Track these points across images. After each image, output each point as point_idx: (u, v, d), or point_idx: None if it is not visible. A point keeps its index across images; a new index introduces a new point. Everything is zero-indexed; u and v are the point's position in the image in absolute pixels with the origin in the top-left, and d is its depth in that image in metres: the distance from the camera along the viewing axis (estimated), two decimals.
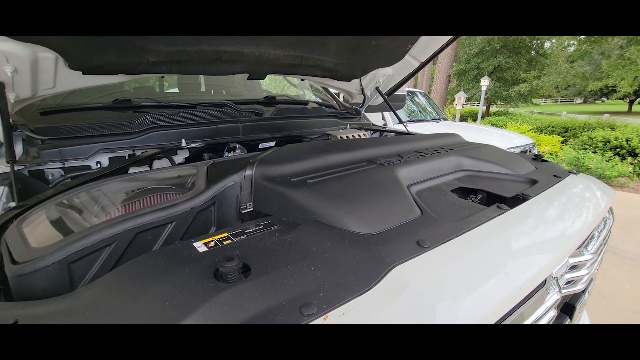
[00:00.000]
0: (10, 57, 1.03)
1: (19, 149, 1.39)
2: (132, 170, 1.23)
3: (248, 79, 1.65)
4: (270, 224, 0.70)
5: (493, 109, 16.87)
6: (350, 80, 2.14)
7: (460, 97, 11.93)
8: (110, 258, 0.64)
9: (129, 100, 1.57)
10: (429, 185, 0.96)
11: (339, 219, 0.68)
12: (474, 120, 12.56)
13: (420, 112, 5.94)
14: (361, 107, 2.36)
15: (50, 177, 1.23)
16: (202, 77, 2.66)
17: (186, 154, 1.46)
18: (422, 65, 2.09)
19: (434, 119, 5.77)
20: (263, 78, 1.75)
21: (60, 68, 1.19)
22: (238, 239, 0.63)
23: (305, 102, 2.21)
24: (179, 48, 1.30)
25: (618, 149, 7.24)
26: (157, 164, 1.35)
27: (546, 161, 1.29)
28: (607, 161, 6.34)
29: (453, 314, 0.51)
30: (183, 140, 1.40)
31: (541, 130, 10.17)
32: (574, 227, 0.82)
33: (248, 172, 0.84)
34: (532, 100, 15.21)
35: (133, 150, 1.36)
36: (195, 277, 0.50)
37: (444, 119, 6.01)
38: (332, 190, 0.77)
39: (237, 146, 1.45)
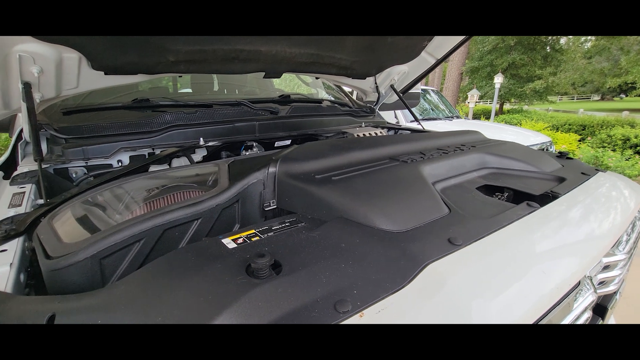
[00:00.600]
0: (37, 58, 1.06)
1: (43, 147, 1.42)
2: (152, 168, 1.25)
3: (264, 77, 1.65)
4: (296, 221, 0.70)
5: (506, 106, 16.56)
6: (365, 78, 2.13)
7: (474, 94, 11.74)
8: (139, 254, 0.64)
9: (148, 99, 1.60)
10: (453, 183, 0.95)
11: (366, 216, 0.67)
12: (487, 118, 12.36)
13: (432, 110, 5.87)
14: (375, 105, 2.34)
15: (74, 175, 1.26)
16: (215, 76, 2.69)
17: (204, 152, 1.47)
18: (438, 63, 2.06)
19: (447, 117, 5.69)
20: (279, 76, 1.75)
21: (83, 68, 1.21)
22: (266, 235, 0.63)
23: (320, 101, 2.21)
24: (198, 47, 1.31)
25: (638, 147, 7.02)
26: (175, 162, 1.36)
27: (571, 159, 1.25)
28: (627, 159, 6.14)
29: (489, 313, 0.49)
30: (201, 138, 1.42)
31: (557, 128, 9.94)
32: (607, 226, 0.79)
33: (271, 169, 0.83)
34: (548, 97, 14.86)
35: (153, 149, 1.38)
36: (227, 273, 0.50)
37: (457, 117, 5.92)
38: (357, 187, 0.76)
39: (255, 144, 1.46)
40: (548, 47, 14.12)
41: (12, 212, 0.85)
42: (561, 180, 1.00)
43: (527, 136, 4.71)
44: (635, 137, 7.07)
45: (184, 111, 1.51)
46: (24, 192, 0.98)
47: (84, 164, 1.26)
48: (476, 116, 13.55)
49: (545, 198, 0.87)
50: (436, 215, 0.72)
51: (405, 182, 0.81)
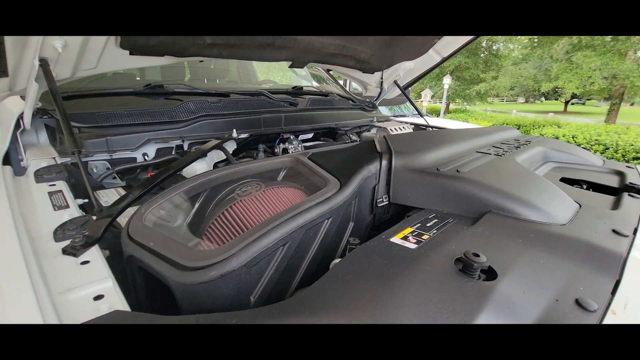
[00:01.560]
0: None
1: (43, 137, 1.20)
2: (196, 162, 1.12)
3: (290, 67, 1.58)
4: (441, 217, 0.67)
5: (452, 106, 17.87)
6: (373, 73, 2.13)
7: (427, 94, 12.49)
8: (283, 258, 0.57)
9: (162, 86, 1.43)
10: None
11: (516, 209, 0.67)
12: (438, 116, 13.23)
13: (398, 107, 6.09)
14: (376, 100, 2.37)
15: (94, 170, 1.08)
16: (186, 65, 2.49)
17: (234, 145, 1.36)
18: (443, 61, 2.13)
19: (414, 114, 5.95)
20: (302, 67, 1.68)
21: (109, 46, 1.04)
22: (431, 233, 0.60)
23: (327, 94, 2.17)
24: None
25: None
26: (209, 155, 1.24)
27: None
28: None
29: None
30: (234, 130, 1.30)
31: None
32: None
33: (384, 162, 0.79)
34: (487, 99, 16.32)
35: (182, 140, 1.24)
36: (442, 274, 0.46)
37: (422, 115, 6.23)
38: (494, 180, 0.75)
39: (292, 137, 1.38)
40: (486, 52, 15.42)
41: (66, 215, 0.71)
42: (620, 173, 1.08)
43: None
44: (563, 136, 8.08)
45: (208, 100, 1.37)
46: (60, 191, 0.82)
47: (109, 157, 1.08)
48: (427, 114, 14.41)
49: (631, 189, 0.94)
50: (574, 207, 0.74)
51: (522, 175, 0.82)
